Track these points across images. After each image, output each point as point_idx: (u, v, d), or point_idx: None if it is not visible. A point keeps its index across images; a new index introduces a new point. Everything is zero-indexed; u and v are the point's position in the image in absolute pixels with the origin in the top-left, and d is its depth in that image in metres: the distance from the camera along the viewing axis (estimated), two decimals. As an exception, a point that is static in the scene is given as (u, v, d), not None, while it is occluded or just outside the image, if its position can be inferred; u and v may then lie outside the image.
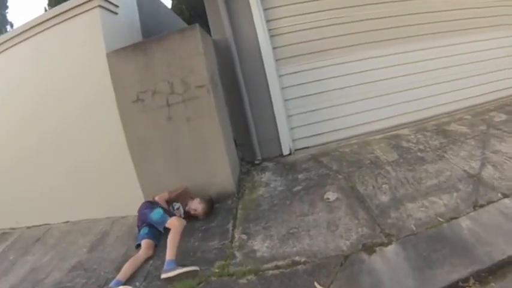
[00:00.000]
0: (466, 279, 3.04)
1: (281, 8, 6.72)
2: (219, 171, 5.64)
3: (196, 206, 5.18)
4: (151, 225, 4.80)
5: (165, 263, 4.09)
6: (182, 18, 12.05)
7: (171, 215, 4.81)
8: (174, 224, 4.55)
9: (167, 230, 4.58)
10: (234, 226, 4.80)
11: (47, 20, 5.72)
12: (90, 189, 5.92)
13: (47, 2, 8.89)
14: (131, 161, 5.66)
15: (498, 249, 3.24)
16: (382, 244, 3.67)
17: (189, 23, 10.79)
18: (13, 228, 6.81)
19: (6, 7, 13.24)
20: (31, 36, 5.86)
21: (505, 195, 4.00)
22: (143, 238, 4.68)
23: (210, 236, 4.67)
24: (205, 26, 6.55)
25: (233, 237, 4.53)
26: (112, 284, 4.02)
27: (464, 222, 3.67)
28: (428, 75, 7.13)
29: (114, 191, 5.70)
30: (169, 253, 4.18)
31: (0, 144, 6.52)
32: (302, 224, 4.39)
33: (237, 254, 4.14)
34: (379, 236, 3.80)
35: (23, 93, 6.12)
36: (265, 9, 6.63)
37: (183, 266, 4.01)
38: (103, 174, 5.83)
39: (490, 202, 3.93)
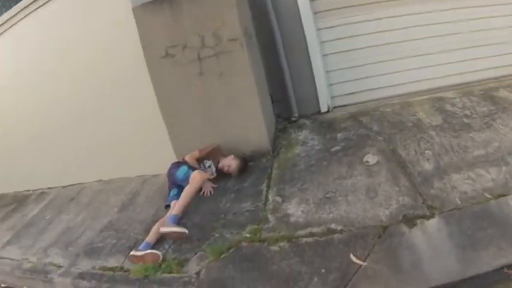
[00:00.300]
0: (512, 266, 2.80)
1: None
2: (253, 128, 5.46)
3: (230, 162, 5.11)
4: (180, 186, 4.73)
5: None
6: None
7: None
8: (194, 177, 4.53)
9: None
10: (268, 187, 4.66)
11: None
12: (121, 148, 5.97)
13: None
14: (162, 119, 5.54)
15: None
16: (423, 217, 3.44)
17: None
18: (50, 188, 7.12)
19: None
20: None
21: (561, 174, 3.67)
22: (172, 199, 4.66)
23: (242, 197, 4.57)
24: None
25: (267, 199, 4.40)
26: (141, 246, 4.02)
27: (514, 201, 3.39)
28: (478, 35, 6.51)
29: (146, 149, 5.70)
30: (177, 207, 4.24)
31: (38, 108, 6.62)
32: (339, 188, 4.20)
33: (270, 217, 4.04)
34: (421, 208, 3.57)
35: (54, 56, 6.11)
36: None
37: (179, 225, 4.09)
38: (135, 132, 5.84)
39: (544, 181, 3.62)
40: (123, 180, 6.14)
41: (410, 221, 3.43)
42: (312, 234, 3.60)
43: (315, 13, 6.37)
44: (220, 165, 5.15)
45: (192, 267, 3.72)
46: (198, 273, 3.60)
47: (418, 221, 3.40)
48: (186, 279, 3.59)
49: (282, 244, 3.59)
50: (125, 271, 4.04)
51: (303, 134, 5.93)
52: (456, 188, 3.73)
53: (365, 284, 3.00)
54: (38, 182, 7.29)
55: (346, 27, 6.44)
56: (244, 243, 3.74)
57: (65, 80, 6.20)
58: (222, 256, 3.67)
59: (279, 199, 4.33)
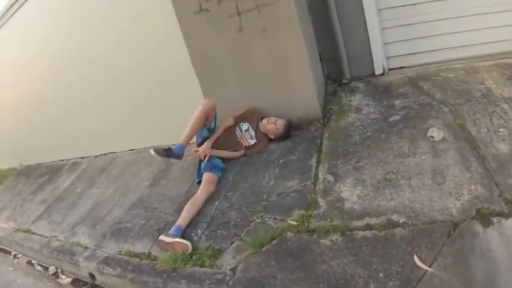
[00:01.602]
0: None
1: None
2: (301, 91, 5.04)
3: (272, 123, 4.83)
4: (211, 156, 4.48)
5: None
6: None
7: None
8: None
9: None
10: (318, 162, 4.25)
11: None
12: (154, 116, 5.98)
13: None
14: (198, 83, 5.36)
15: None
16: (501, 214, 2.88)
17: None
18: (82, 158, 7.58)
19: None
20: None
21: None
22: (204, 171, 4.38)
23: (288, 174, 4.19)
24: None
25: (317, 177, 3.99)
26: (171, 231, 3.79)
27: None
28: None
29: (179, 116, 5.26)
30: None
31: (70, 78, 6.88)
32: (401, 168, 3.70)
33: (321, 201, 3.63)
34: (497, 202, 3.00)
35: (84, 25, 6.30)
36: None
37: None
38: (168, 99, 5.78)
39: None
40: None
41: (485, 217, 2.90)
42: (369, 227, 3.17)
43: (371, -38, 5.77)
44: (261, 127, 4.88)
45: (227, 260, 3.41)
46: (233, 270, 3.27)
47: (495, 219, 2.86)
48: (220, 276, 3.26)
49: (334, 237, 3.19)
50: (152, 259, 3.83)
51: (356, 99, 5.48)
52: (541, 179, 3.12)
53: (429, 297, 2.53)
54: (72, 151, 7.64)
55: (404, -22, 5.80)
56: (290, 234, 3.37)
57: (98, 48, 6.27)
58: (264, 249, 3.33)
59: (330, 178, 3.91)
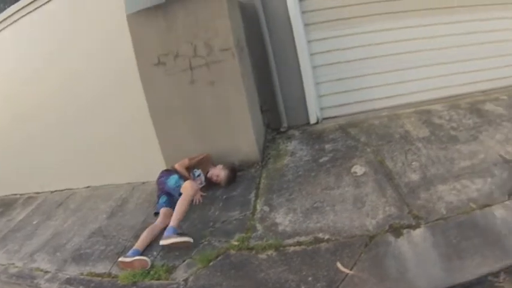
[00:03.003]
0: (496, 274, 2.85)
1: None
2: (243, 138, 5.53)
3: (219, 172, 5.15)
4: (169, 194, 4.79)
5: (166, 229, 4.08)
6: None
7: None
8: (186, 188, 4.53)
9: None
10: (256, 196, 4.71)
11: None
12: (111, 155, 6.00)
13: None
14: (152, 127, 5.60)
15: (533, 243, 3.05)
16: (410, 226, 3.50)
17: None
18: (37, 193, 7.09)
19: None
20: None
21: (544, 185, 3.75)
22: (161, 206, 4.70)
23: (231, 206, 4.63)
24: None
25: (255, 208, 4.45)
26: (129, 253, 4.03)
27: (498, 211, 3.45)
28: (465, 49, 6.67)
29: (135, 157, 5.75)
30: (173, 219, 4.19)
31: (27, 112, 6.64)
32: (327, 198, 4.27)
33: (258, 226, 4.08)
34: (407, 218, 3.63)
35: (47, 61, 6.15)
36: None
37: (181, 235, 4.02)
38: (125, 139, 5.85)
39: (527, 191, 3.71)
40: (112, 187, 6.17)
41: (396, 230, 3.49)
42: (299, 243, 3.64)
43: (306, 25, 6.51)
44: (209, 174, 5.20)
45: (180, 274, 3.72)
46: (186, 280, 3.60)
47: (404, 231, 3.46)
48: (174, 286, 3.59)
49: (269, 252, 3.62)
50: (113, 277, 4.03)
51: (291, 145, 6.01)
52: (442, 198, 3.80)
53: (352, 292, 3.03)
54: (26, 186, 7.29)
55: (336, 40, 6.57)
56: (232, 251, 3.77)
57: (55, 84, 6.23)
58: (211, 264, 3.69)
59: (267, 208, 4.37)
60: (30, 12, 6.08)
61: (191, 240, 3.98)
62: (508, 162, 4.21)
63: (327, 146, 5.65)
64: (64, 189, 6.79)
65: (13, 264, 4.98)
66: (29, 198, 6.93)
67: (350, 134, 5.89)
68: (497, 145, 4.64)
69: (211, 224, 4.35)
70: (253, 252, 3.69)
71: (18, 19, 6.25)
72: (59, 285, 4.21)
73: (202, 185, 5.13)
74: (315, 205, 4.19)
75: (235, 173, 5.28)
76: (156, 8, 5.31)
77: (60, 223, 5.57)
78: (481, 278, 2.86)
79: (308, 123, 6.72)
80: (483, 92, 6.63)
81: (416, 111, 6.24)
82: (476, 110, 5.85)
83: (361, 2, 6.46)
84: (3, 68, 6.72)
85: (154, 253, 4.09)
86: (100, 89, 5.89)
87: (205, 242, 4.06)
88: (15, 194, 7.49)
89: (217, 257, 3.73)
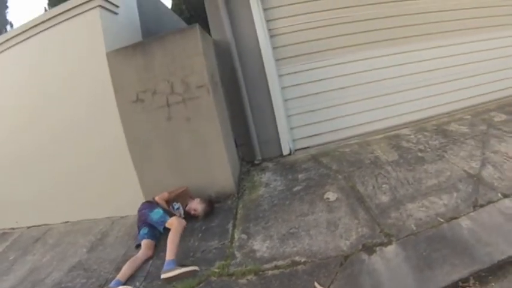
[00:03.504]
0: (466, 280, 3.04)
1: (281, 8, 6.79)
2: (218, 171, 5.67)
3: (196, 206, 5.23)
4: (151, 225, 4.84)
5: (165, 263, 4.10)
6: (182, 18, 12.14)
7: (171, 215, 4.84)
8: (174, 223, 4.58)
9: (167, 230, 4.62)
10: (234, 226, 4.83)
11: (47, 20, 5.80)
12: (90, 190, 5.93)
13: (47, 1, 8.95)
14: (131, 161, 5.70)
15: (498, 249, 3.25)
16: (382, 244, 3.67)
17: (189, 23, 10.80)
18: (13, 228, 6.87)
19: (6, 7, 13.26)
20: (31, 36, 5.93)
21: (505, 196, 4.01)
22: (143, 238, 4.72)
23: (210, 236, 4.70)
24: (206, 27, 6.58)
25: (233, 237, 4.55)
26: (112, 284, 4.03)
27: (464, 222, 3.68)
28: (428, 75, 7.18)
29: (114, 191, 5.74)
30: (169, 253, 4.20)
31: (4, 145, 6.54)
32: (302, 224, 4.42)
33: (237, 254, 4.16)
34: (379, 236, 3.80)
35: (23, 94, 6.16)
36: (265, 9, 6.70)
37: (183, 266, 4.02)
38: (103, 174, 5.83)
39: (490, 202, 3.94)
40: (91, 222, 6.10)
41: (369, 248, 3.65)
42: (277, 267, 3.74)
43: (277, 60, 6.78)
44: (187, 208, 5.29)
45: None
46: None
47: (377, 248, 3.63)
48: None
49: (249, 277, 3.71)
50: None
51: (266, 176, 6.15)
52: (411, 215, 4.01)
53: (330, 309, 3.14)
54: (1, 221, 7.12)
55: (305, 73, 6.90)
56: (213, 278, 3.83)
57: (30, 118, 6.23)
58: None
59: (244, 237, 4.47)
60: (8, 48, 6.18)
61: (197, 268, 4.01)
62: (472, 177, 4.51)
63: (300, 176, 5.81)
64: (41, 225, 6.66)
65: (-11, 300, 4.92)
66: (3, 234, 6.80)
67: (322, 163, 6.07)
68: (462, 162, 4.96)
69: (191, 254, 4.40)
70: (234, 277, 3.76)
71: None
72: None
73: (182, 218, 5.16)
74: (291, 231, 4.32)
75: (212, 205, 5.38)
76: (135, 46, 5.53)
77: (38, 258, 5.43)
78: (452, 285, 3.03)
79: (281, 155, 6.90)
80: (448, 113, 7.09)
81: (385, 137, 6.55)
82: (442, 131, 6.24)
83: (327, 36, 6.82)
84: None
85: (137, 283, 4.11)
86: (77, 122, 5.94)
87: (187, 271, 4.12)
88: (-11, 230, 7.31)
89: (199, 283, 3.79)
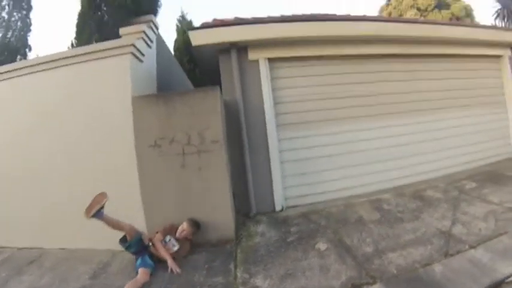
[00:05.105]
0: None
1: (287, 80, 7.63)
2: (221, 217, 6.10)
3: (182, 227, 5.74)
4: (143, 257, 5.34)
5: None
6: (183, 70, 12.56)
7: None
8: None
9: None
10: (235, 266, 5.24)
11: (79, 54, 6.34)
12: (93, 220, 5.53)
13: (74, 36, 9.23)
14: (141, 200, 6.02)
15: (466, 287, 4.02)
16: (368, 283, 4.36)
17: (190, 76, 12.10)
18: (2, 247, 6.72)
19: (30, 30, 12.88)
20: (58, 67, 6.42)
21: (472, 247, 4.83)
22: (140, 267, 5.19)
23: (214, 273, 5.09)
24: (209, 80, 7.56)
25: (236, 275, 4.99)
26: None
27: (437, 268, 4.44)
28: (406, 148, 8.19)
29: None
30: None
31: (3, 166, 6.73)
32: (298, 267, 4.97)
33: (242, 288, 4.67)
34: (365, 278, 4.49)
35: (41, 121, 6.46)
36: (272, 79, 7.51)
37: None
38: (109, 207, 5.63)
39: (459, 252, 4.75)
40: (89, 251, 6.10)
41: (358, 287, 4.34)
42: (278, 304, 4.32)
43: (278, 125, 7.52)
44: (177, 235, 5.71)
45: None
46: None
47: (364, 287, 4.33)
48: None
49: (256, 309, 4.23)
50: None
51: (260, 227, 6.62)
52: (392, 262, 4.75)
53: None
54: None
55: (301, 140, 7.68)
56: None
57: (38, 142, 6.44)
58: None
59: (246, 275, 4.96)
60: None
61: None
62: (444, 233, 5.34)
63: (292, 229, 6.35)
64: (33, 248, 6.48)
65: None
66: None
67: (312, 219, 6.67)
68: (435, 221, 5.79)
69: (198, 287, 4.78)
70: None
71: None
72: None
73: (177, 247, 5.61)
74: (288, 272, 4.87)
75: (198, 224, 5.92)
76: (158, 96, 6.10)
77: (35, 279, 5.35)
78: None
79: (274, 211, 7.43)
80: (425, 181, 8.04)
81: (368, 200, 7.28)
82: (419, 196, 7.11)
83: (322, 108, 7.74)
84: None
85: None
86: (91, 154, 6.21)
87: (194, 303, 4.59)
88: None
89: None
